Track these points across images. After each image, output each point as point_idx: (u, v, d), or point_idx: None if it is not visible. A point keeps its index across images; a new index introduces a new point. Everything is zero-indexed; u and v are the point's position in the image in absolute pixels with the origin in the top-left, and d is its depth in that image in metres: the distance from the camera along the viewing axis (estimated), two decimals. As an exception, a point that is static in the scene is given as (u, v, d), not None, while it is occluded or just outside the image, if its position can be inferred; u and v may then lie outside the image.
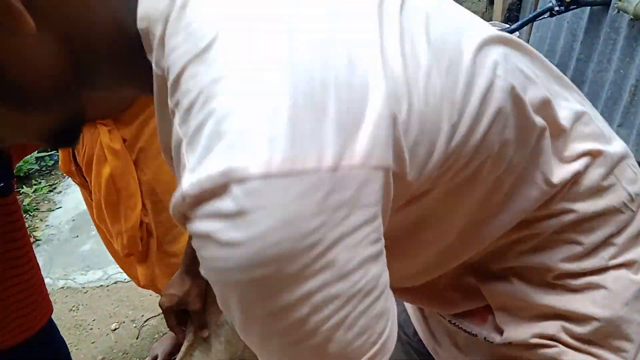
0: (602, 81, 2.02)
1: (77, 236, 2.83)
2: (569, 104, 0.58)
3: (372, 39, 0.41)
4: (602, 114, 2.03)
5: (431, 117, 0.42)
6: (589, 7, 2.03)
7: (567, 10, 1.96)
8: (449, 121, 0.44)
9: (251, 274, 0.36)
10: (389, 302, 0.43)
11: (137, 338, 2.13)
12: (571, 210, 0.57)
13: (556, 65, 2.13)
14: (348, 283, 0.38)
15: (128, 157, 1.48)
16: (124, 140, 1.46)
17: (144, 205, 1.54)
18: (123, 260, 1.74)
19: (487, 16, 3.63)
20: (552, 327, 0.60)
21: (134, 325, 2.26)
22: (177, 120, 0.40)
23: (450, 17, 0.50)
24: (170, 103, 0.41)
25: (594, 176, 0.57)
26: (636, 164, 0.65)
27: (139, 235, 1.56)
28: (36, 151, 3.34)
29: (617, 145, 0.62)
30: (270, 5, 0.41)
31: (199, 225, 0.37)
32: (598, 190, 0.58)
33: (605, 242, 0.59)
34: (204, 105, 0.37)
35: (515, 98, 0.49)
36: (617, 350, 0.61)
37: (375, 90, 0.39)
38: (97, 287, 2.50)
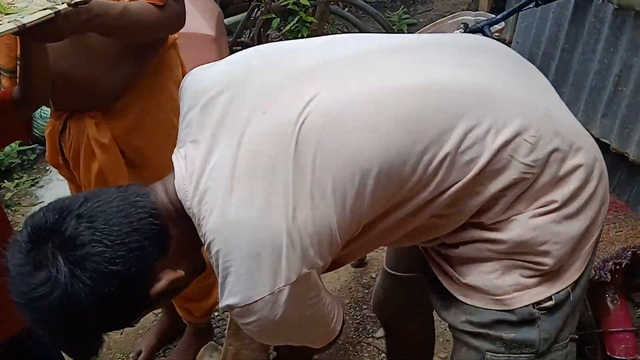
0: (587, 71, 2.02)
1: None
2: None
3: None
4: (586, 103, 2.03)
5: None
6: (573, -3, 2.03)
7: (552, 0, 1.96)
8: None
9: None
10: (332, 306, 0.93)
11: (121, 334, 2.10)
12: (481, 192, 0.85)
13: (541, 55, 2.11)
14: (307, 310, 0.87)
15: (117, 151, 1.44)
16: (114, 136, 1.43)
17: None
18: None
19: (473, 6, 3.63)
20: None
21: (139, 332, 2.23)
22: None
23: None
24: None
25: (490, 164, 0.83)
26: (536, 134, 0.83)
27: None
28: (17, 145, 3.28)
29: (511, 127, 0.83)
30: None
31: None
32: (496, 172, 0.83)
33: (515, 201, 0.86)
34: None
35: None
36: (536, 264, 0.88)
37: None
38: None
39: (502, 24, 2.03)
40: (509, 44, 2.57)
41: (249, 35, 3.82)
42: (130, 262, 0.76)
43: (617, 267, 1.33)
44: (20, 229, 0.79)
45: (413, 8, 4.90)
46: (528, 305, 0.89)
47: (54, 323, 0.77)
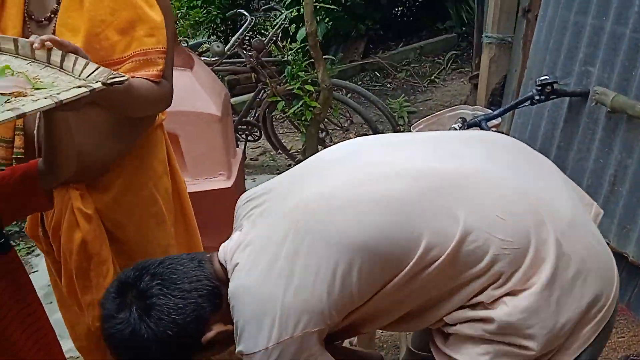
0: (582, 169, 2.06)
1: (51, 302, 2.70)
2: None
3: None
4: (583, 201, 2.06)
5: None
6: (568, 98, 2.11)
7: (547, 99, 2.04)
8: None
9: None
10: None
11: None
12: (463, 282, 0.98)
13: (538, 152, 2.16)
14: None
15: (100, 222, 1.44)
16: (96, 208, 1.43)
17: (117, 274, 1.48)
18: (88, 349, 1.64)
19: (471, 100, 3.77)
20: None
21: None
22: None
23: None
24: None
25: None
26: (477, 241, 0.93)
27: None
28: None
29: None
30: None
31: None
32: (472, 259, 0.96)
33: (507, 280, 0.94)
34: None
35: None
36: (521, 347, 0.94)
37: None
38: (67, 358, 2.37)
39: (499, 119, 2.10)
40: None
41: (254, 115, 3.94)
42: (187, 313, 0.99)
43: (620, 374, 1.29)
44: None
45: (413, 97, 5.09)
46: None
47: (125, 354, 1.02)
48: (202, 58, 3.46)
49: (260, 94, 3.76)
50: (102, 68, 1.06)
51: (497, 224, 0.93)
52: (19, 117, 0.89)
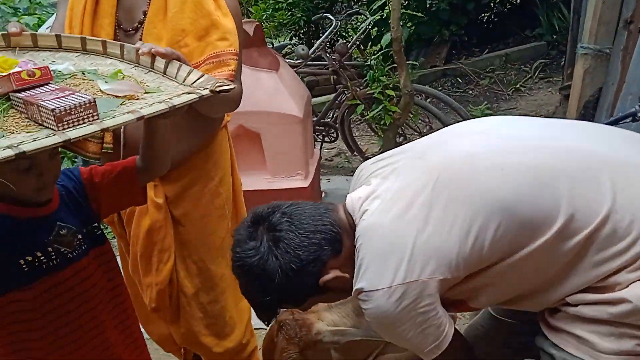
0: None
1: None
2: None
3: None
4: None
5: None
6: (673, 115, 1.97)
7: (649, 116, 1.92)
8: None
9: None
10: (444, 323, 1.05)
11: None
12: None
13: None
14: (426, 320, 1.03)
15: (168, 213, 1.54)
16: (166, 197, 1.53)
17: (176, 262, 1.57)
18: (149, 321, 1.74)
19: (560, 110, 3.60)
20: None
21: None
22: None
23: None
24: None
25: None
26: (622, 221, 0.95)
27: (167, 291, 1.58)
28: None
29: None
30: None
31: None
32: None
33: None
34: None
35: None
36: None
37: None
38: (147, 338, 2.50)
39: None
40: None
41: (332, 117, 3.99)
42: (310, 251, 1.05)
43: None
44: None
45: (496, 104, 4.95)
46: None
47: (250, 280, 1.10)
48: (286, 60, 3.55)
49: (340, 97, 3.80)
50: (206, 75, 1.12)
51: None
52: (138, 119, 0.94)
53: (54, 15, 2.83)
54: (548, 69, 5.34)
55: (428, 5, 5.29)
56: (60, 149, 1.14)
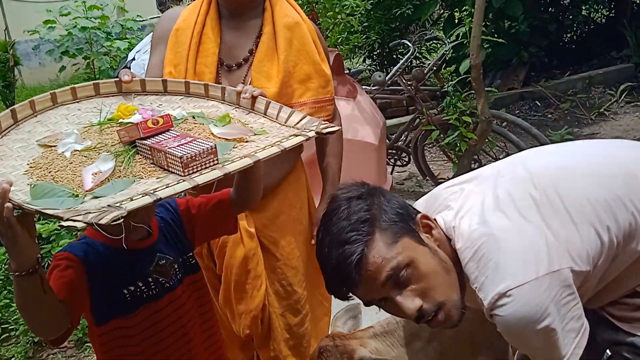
0: None
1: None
2: None
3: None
4: None
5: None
6: None
7: None
8: None
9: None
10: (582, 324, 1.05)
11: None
12: None
13: None
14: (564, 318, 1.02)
15: (258, 241, 1.61)
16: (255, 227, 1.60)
17: (267, 288, 1.63)
18: (227, 349, 1.80)
19: None
20: None
21: None
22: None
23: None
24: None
25: None
26: None
27: (260, 317, 1.63)
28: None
29: None
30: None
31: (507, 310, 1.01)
32: None
33: None
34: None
35: None
36: None
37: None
38: None
39: None
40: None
41: (406, 141, 3.98)
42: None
43: None
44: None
45: (577, 129, 4.74)
46: None
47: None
48: (363, 87, 3.60)
49: (415, 121, 3.79)
50: (309, 117, 1.17)
51: None
52: (255, 163, 1.00)
53: (145, 48, 3.00)
54: (635, 92, 5.06)
55: (507, 27, 5.17)
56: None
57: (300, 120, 1.17)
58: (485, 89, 3.31)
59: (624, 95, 5.02)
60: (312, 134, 1.10)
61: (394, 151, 4.04)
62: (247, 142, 1.09)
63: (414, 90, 3.57)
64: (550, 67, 5.62)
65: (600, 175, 1.11)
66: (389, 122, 4.72)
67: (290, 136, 1.09)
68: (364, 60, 6.23)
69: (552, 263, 1.00)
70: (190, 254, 1.36)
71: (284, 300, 1.67)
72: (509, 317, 1.01)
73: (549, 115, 5.07)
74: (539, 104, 5.21)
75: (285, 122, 1.18)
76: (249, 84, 1.51)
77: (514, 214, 1.06)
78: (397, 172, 4.35)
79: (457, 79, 3.54)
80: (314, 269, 1.79)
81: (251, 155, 1.01)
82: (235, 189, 1.34)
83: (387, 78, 3.61)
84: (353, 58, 6.65)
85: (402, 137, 4.03)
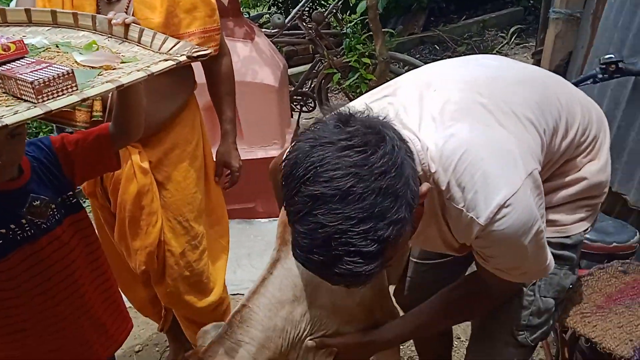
0: (643, 150, 2.00)
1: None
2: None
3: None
4: (639, 182, 2.00)
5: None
6: (633, 77, 2.03)
7: (610, 78, 1.97)
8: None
9: None
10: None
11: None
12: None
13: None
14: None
15: (152, 177, 1.61)
16: (149, 162, 1.60)
17: (163, 224, 1.64)
18: (129, 288, 1.81)
19: (533, 75, 3.65)
20: None
21: (157, 349, 2.31)
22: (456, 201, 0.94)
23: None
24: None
25: None
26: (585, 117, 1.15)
27: (156, 253, 1.64)
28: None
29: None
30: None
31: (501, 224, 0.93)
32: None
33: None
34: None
35: None
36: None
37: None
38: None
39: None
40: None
41: (310, 86, 4.00)
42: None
43: (662, 353, 1.28)
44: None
45: (473, 71, 4.98)
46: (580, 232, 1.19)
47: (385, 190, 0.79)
48: (263, 30, 3.53)
49: (317, 66, 3.81)
50: (182, 42, 1.14)
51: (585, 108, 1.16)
52: (118, 88, 0.95)
53: None
54: (524, 34, 5.37)
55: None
56: (44, 121, 1.14)
57: (174, 46, 1.13)
58: (383, 30, 3.37)
59: (514, 37, 5.32)
60: (182, 58, 1.07)
61: (299, 97, 4.05)
62: (114, 69, 1.04)
63: (315, 34, 3.57)
64: (448, 12, 5.81)
65: (524, 81, 1.10)
66: (295, 69, 4.71)
67: (160, 61, 1.06)
68: (268, 8, 6.10)
69: (526, 165, 0.96)
70: (71, 192, 1.30)
71: (182, 236, 1.67)
72: (510, 228, 0.93)
73: (447, 59, 5.27)
74: (438, 47, 5.40)
75: (159, 49, 1.14)
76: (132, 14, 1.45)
77: (473, 122, 0.97)
78: (305, 118, 4.37)
79: (356, 21, 3.56)
80: (211, 207, 1.80)
81: (114, 80, 0.97)
82: (114, 122, 1.29)
83: (286, 21, 3.57)
84: (258, 5, 6.48)
85: (307, 82, 4.04)
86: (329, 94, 3.99)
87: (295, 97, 3.96)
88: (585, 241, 1.33)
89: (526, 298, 1.23)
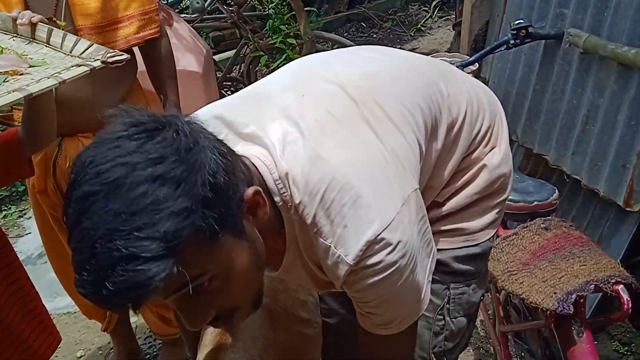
0: (557, 111, 2.10)
1: (46, 262, 2.79)
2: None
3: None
4: (557, 142, 2.11)
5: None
6: (543, 41, 2.13)
7: (522, 43, 2.05)
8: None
9: None
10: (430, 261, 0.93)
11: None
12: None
13: (515, 95, 2.20)
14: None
15: None
16: None
17: None
18: (75, 291, 1.75)
19: (455, 46, 3.75)
20: None
21: (100, 352, 2.24)
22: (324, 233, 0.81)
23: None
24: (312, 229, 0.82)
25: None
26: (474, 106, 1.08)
27: None
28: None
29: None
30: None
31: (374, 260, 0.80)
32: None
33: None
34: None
35: None
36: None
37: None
38: (64, 313, 2.48)
39: (476, 64, 2.12)
40: (486, 83, 2.67)
41: (239, 71, 3.93)
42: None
43: (581, 300, 1.37)
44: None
45: (399, 46, 5.06)
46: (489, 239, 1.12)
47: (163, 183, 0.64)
48: (182, 15, 3.42)
49: (244, 50, 3.74)
50: (96, 46, 1.10)
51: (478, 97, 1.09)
52: (26, 97, 0.91)
53: None
54: (446, 7, 5.50)
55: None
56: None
57: (87, 49, 1.09)
58: (306, 9, 3.35)
59: (436, 10, 5.43)
60: (97, 63, 1.03)
61: (229, 83, 3.97)
62: (21, 74, 0.99)
63: (237, 16, 3.49)
64: (371, -12, 5.85)
65: (401, 77, 0.98)
66: (223, 55, 4.60)
67: (72, 66, 1.02)
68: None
69: (403, 188, 0.83)
70: None
71: None
72: (381, 266, 0.79)
73: (374, 35, 5.33)
74: (364, 25, 5.44)
75: (70, 52, 1.09)
76: (64, 2, 1.37)
77: (346, 136, 0.84)
78: (236, 104, 4.31)
79: (276, 1, 3.52)
80: None
81: (22, 89, 0.92)
82: (24, 127, 1.22)
83: (206, 5, 3.47)
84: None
85: (235, 66, 3.96)
86: (258, 77, 3.93)
87: (224, 82, 3.88)
88: (509, 202, 1.33)
89: (436, 324, 1.13)
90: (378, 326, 0.90)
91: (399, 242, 0.80)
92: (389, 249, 0.79)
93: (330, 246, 0.80)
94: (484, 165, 1.07)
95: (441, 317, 1.14)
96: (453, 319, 1.14)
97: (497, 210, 1.12)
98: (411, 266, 0.83)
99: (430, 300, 0.94)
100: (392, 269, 0.80)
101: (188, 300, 0.71)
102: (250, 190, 0.75)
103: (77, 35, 1.32)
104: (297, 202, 0.81)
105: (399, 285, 0.82)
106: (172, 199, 0.63)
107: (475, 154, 1.07)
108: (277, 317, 1.12)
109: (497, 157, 1.08)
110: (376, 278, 0.81)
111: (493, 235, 1.15)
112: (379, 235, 0.78)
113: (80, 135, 1.53)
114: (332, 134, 0.84)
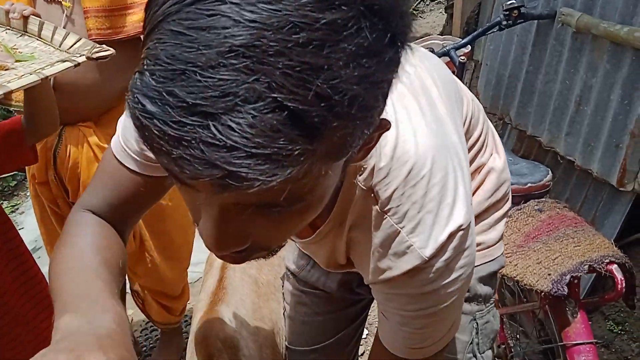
0: (550, 92, 2.09)
1: (40, 257, 2.78)
2: None
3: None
4: (550, 123, 2.10)
5: None
6: (536, 21, 2.11)
7: (515, 24, 2.03)
8: None
9: None
10: None
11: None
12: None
13: (508, 77, 2.18)
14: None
15: None
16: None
17: None
18: None
19: (447, 29, 3.73)
20: None
21: None
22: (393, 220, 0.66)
23: None
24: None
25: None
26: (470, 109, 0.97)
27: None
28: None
29: None
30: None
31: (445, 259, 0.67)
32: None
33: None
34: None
35: None
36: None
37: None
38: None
39: (468, 47, 2.10)
40: (479, 66, 2.65)
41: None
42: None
43: (575, 280, 1.37)
44: None
45: (392, 30, 5.02)
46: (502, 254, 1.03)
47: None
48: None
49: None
50: (84, 40, 1.11)
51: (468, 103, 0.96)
52: (5, 94, 0.90)
53: None
54: (438, -11, 5.45)
55: None
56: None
57: (75, 43, 1.10)
58: None
59: (428, -7, 5.39)
60: (81, 59, 1.03)
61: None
62: (6, 69, 1.00)
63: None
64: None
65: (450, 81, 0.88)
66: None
67: (57, 62, 1.02)
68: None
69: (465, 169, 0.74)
70: None
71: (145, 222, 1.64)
72: (465, 259, 0.69)
73: (366, 20, 5.29)
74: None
75: (59, 46, 1.10)
76: None
77: (446, 129, 0.72)
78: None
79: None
80: None
81: (2, 85, 0.92)
82: (25, 117, 1.23)
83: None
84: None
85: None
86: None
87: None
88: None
89: None
90: (406, 346, 0.76)
91: (467, 248, 0.68)
92: (460, 251, 0.67)
93: (400, 231, 0.65)
94: (491, 169, 1.00)
95: (470, 354, 0.99)
96: (482, 354, 1.00)
97: (503, 221, 1.04)
98: (467, 279, 0.71)
99: (455, 337, 0.84)
100: (454, 276, 0.68)
101: (239, 217, 0.49)
102: (385, 121, 0.53)
103: (84, 17, 1.32)
104: (380, 165, 0.64)
105: (452, 296, 0.69)
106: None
107: (477, 161, 0.99)
108: (261, 286, 1.30)
109: (499, 162, 1.02)
110: (445, 276, 0.67)
111: (502, 252, 1.04)
112: (458, 232, 0.66)
113: (81, 125, 1.51)
114: (442, 121, 0.72)
